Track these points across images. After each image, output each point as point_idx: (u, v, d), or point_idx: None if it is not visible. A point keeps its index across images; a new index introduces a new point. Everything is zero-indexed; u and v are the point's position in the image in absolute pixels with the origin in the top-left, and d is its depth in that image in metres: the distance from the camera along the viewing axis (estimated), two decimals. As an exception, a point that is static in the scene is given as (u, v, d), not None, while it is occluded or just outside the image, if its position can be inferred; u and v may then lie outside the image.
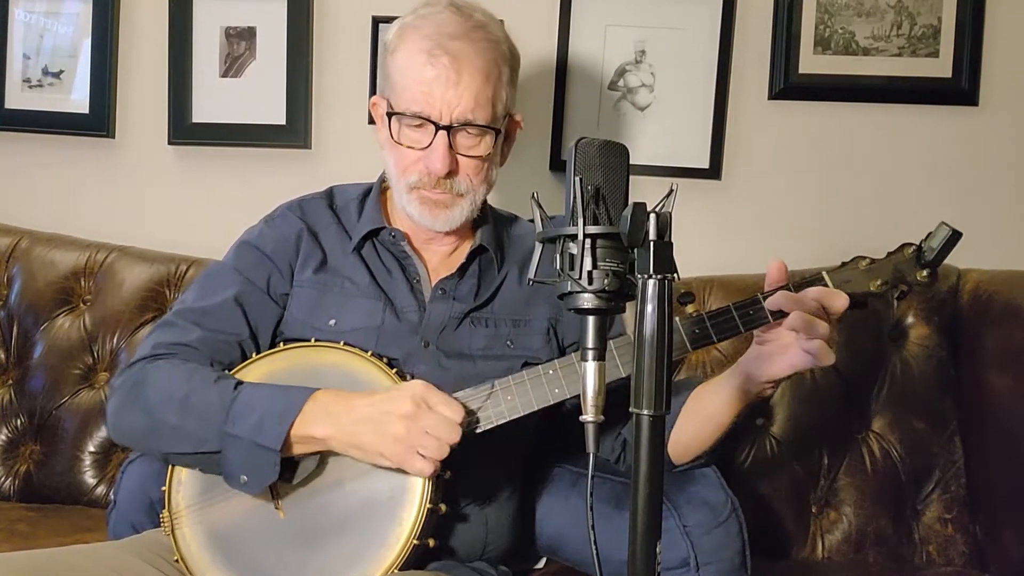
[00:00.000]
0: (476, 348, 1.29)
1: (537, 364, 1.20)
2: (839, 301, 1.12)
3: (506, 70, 1.27)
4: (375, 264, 1.32)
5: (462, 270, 1.33)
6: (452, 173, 1.25)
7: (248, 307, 1.28)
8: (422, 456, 1.09)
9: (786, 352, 1.12)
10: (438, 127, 1.22)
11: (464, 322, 1.30)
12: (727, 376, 1.20)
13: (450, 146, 1.23)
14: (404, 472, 1.11)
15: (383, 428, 1.09)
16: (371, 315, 1.28)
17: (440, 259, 1.36)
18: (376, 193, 1.38)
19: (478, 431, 1.15)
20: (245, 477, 1.12)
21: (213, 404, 1.14)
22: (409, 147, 1.25)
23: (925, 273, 1.16)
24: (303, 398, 1.13)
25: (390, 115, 1.25)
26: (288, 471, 1.14)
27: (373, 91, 1.87)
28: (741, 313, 1.15)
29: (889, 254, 1.18)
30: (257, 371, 1.22)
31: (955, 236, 1.13)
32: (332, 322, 1.27)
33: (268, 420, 1.11)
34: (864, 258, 1.18)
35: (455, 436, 1.10)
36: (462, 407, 1.12)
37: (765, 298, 1.14)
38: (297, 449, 1.14)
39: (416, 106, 1.22)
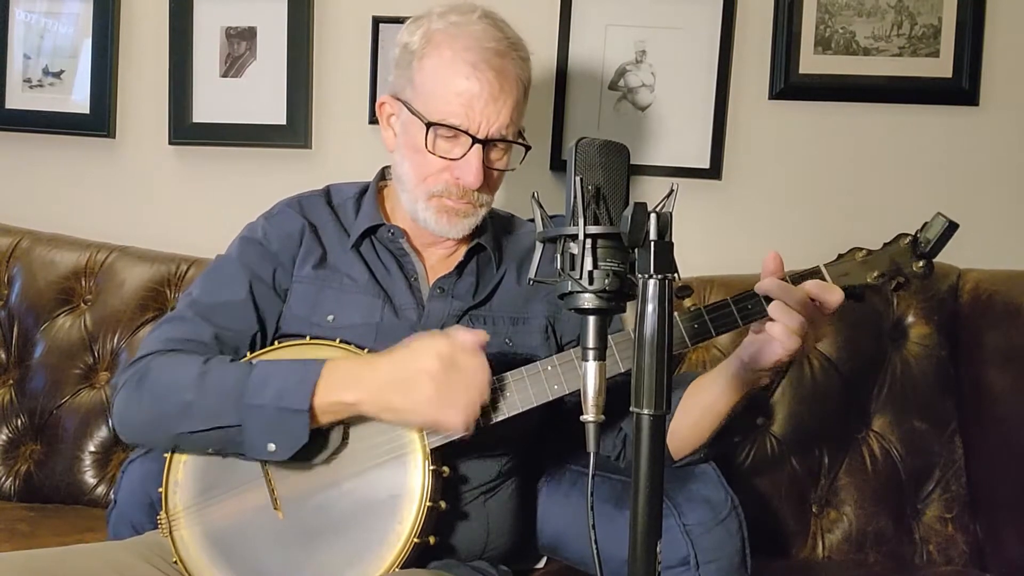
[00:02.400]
0: (474, 346, 1.29)
1: (536, 361, 1.20)
2: (834, 297, 1.12)
3: (528, 88, 1.30)
4: (373, 261, 1.33)
5: (460, 268, 1.33)
6: (481, 186, 1.25)
7: (259, 302, 1.29)
8: (455, 412, 1.09)
9: (772, 341, 1.12)
10: (475, 140, 1.22)
11: (463, 320, 1.30)
12: (723, 366, 1.21)
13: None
14: (436, 433, 1.13)
15: (413, 390, 1.10)
16: (370, 311, 1.28)
17: (438, 258, 1.36)
18: (373, 191, 1.38)
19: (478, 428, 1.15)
20: (273, 445, 1.11)
21: (230, 379, 1.14)
22: (441, 156, 1.24)
23: (921, 264, 1.15)
24: (319, 365, 1.13)
25: (429, 125, 1.23)
26: (311, 449, 1.13)
27: (373, 91, 1.88)
28: (739, 307, 1.15)
29: (885, 245, 1.17)
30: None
31: (952, 227, 1.12)
32: (330, 318, 1.27)
33: (290, 385, 1.12)
34: (860, 249, 1.18)
35: (485, 391, 1.11)
36: (484, 335, 1.13)
37: None
38: (325, 418, 1.13)
39: (454, 118, 1.22)
